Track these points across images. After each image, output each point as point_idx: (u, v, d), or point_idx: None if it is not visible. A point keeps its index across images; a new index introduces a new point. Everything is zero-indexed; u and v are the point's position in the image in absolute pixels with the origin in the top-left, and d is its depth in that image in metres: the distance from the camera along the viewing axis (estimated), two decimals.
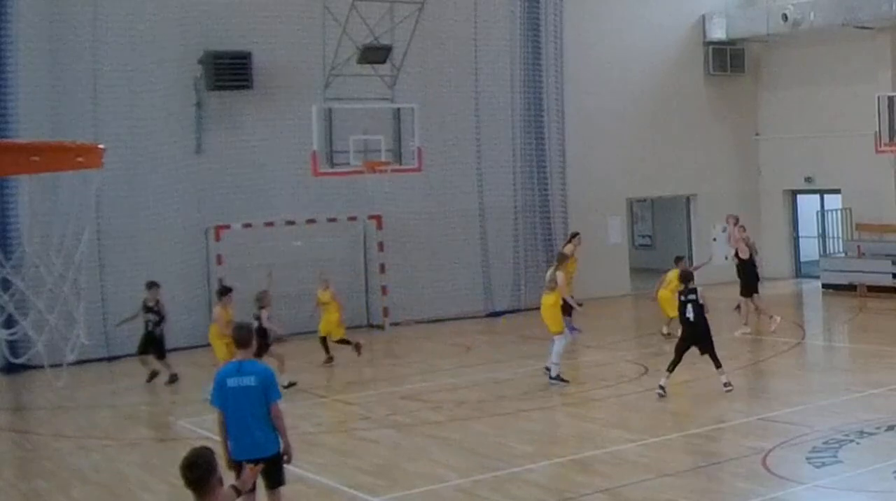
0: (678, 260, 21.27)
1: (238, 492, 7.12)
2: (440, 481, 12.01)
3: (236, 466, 9.11)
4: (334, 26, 20.91)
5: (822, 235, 28.79)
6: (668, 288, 20.58)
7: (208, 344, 21.72)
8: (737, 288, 21.10)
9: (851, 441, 12.75)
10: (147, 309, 18.20)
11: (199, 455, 6.71)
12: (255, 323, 16.65)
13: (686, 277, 16.00)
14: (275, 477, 9.58)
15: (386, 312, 23.75)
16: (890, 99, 25.16)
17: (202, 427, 13.92)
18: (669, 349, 19.85)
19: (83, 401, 17.22)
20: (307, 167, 20.94)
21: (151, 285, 18.36)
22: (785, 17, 26.67)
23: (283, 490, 9.70)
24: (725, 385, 15.59)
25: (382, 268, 23.77)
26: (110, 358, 20.63)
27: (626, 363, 18.32)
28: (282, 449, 9.58)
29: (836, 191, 28.45)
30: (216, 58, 22.04)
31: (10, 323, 7.70)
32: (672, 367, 15.65)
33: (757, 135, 30.04)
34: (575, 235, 22.65)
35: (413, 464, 12.83)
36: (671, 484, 11.44)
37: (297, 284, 21.42)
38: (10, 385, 18.90)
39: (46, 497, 12.36)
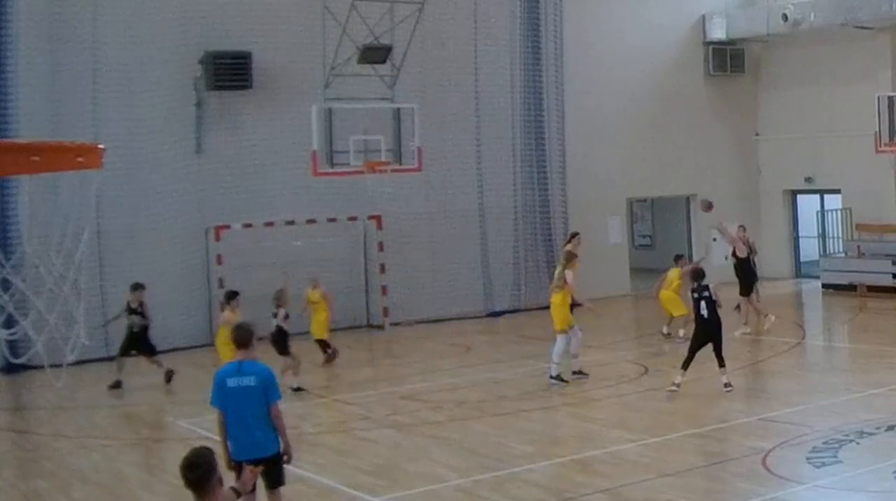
0: (678, 258, 21.33)
1: (238, 494, 7.12)
2: (440, 481, 12.01)
3: (236, 466, 9.11)
4: (334, 26, 20.92)
5: (822, 235, 28.80)
6: (671, 287, 20.61)
7: (208, 345, 21.86)
8: (737, 288, 21.10)
9: (851, 441, 12.74)
10: (131, 311, 18.02)
11: (198, 456, 6.71)
12: (275, 322, 16.93)
13: (698, 274, 16.03)
14: (275, 477, 9.58)
15: (386, 312, 23.75)
16: (890, 99, 25.16)
17: (202, 428, 13.91)
18: (669, 349, 19.95)
19: (83, 401, 17.22)
20: (307, 167, 20.94)
21: (136, 287, 18.24)
22: (785, 17, 26.68)
23: (283, 490, 9.69)
24: (726, 385, 15.60)
25: (382, 268, 23.77)
26: (110, 358, 20.55)
27: (626, 363, 18.32)
28: (282, 450, 9.58)
29: (836, 191, 28.45)
30: (216, 58, 22.04)
31: (10, 323, 7.70)
32: (686, 365, 15.67)
33: (757, 135, 30.05)
34: (574, 235, 22.62)
35: (413, 464, 12.83)
36: (671, 484, 11.44)
37: (298, 284, 21.37)
38: (10, 385, 18.90)
39: (46, 497, 12.35)
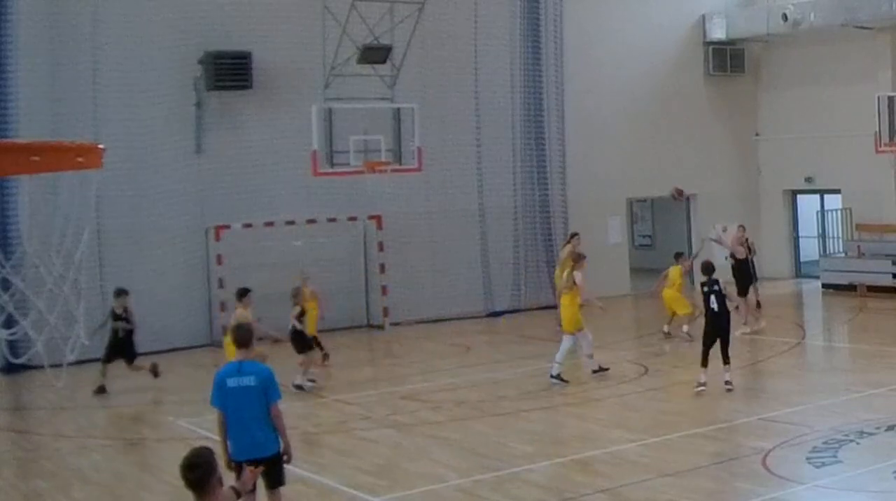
0: (678, 256, 21.34)
1: (238, 493, 7.12)
2: (440, 481, 12.01)
3: (236, 466, 9.11)
4: (334, 26, 20.92)
5: (822, 235, 28.79)
6: (674, 286, 20.61)
7: (207, 345, 21.88)
8: (736, 289, 21.09)
9: (851, 441, 12.74)
10: (116, 317, 17.78)
11: (198, 456, 6.71)
12: (293, 321, 17.13)
13: (708, 268, 16.07)
14: (275, 477, 9.58)
15: (386, 312, 23.75)
16: (890, 99, 25.17)
17: (202, 428, 13.91)
18: (670, 349, 19.97)
19: (83, 401, 17.21)
20: (307, 167, 20.93)
21: (119, 292, 17.98)
22: (785, 17, 26.67)
23: (283, 490, 9.69)
24: (726, 382, 15.61)
25: (382, 268, 23.76)
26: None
27: (627, 363, 18.31)
28: (282, 449, 9.58)
29: (836, 191, 28.45)
30: (216, 58, 22.04)
31: (10, 323, 7.70)
32: (705, 362, 15.69)
33: (757, 135, 30.05)
34: (574, 235, 22.70)
35: (413, 464, 12.83)
36: (671, 484, 11.44)
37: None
38: (10, 385, 18.90)
39: (46, 497, 12.35)
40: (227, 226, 22.12)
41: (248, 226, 22.29)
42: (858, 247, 27.25)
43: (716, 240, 22.55)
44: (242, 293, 16.95)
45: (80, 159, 6.48)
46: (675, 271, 20.76)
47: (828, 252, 28.51)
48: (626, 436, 13.51)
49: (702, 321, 20.11)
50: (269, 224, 22.48)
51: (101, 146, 6.78)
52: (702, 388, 15.59)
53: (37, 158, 6.28)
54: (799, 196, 29.92)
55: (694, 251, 24.55)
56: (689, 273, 22.30)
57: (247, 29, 22.47)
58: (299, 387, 16.89)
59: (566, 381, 16.78)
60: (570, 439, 14.13)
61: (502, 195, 25.60)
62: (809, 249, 29.61)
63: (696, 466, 12.08)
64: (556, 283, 23.20)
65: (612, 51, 27.34)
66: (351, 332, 22.56)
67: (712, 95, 29.35)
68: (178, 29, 21.90)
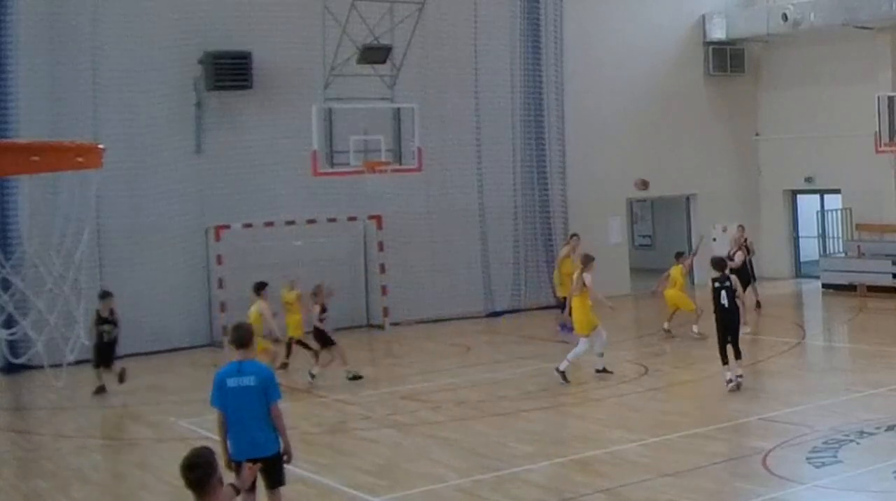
0: (679, 256, 21.35)
1: (237, 491, 7.13)
2: (440, 481, 12.01)
3: (236, 466, 9.11)
4: (334, 26, 20.91)
5: (822, 235, 28.79)
6: (676, 285, 20.62)
7: (208, 345, 21.89)
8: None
9: (851, 441, 12.74)
10: (102, 320, 17.56)
11: (199, 456, 6.71)
12: (315, 318, 17.42)
13: (720, 264, 16.12)
14: (275, 477, 9.58)
15: (386, 312, 23.74)
16: (890, 99, 25.16)
17: (202, 428, 13.91)
18: (670, 348, 19.99)
19: (83, 401, 17.22)
20: (307, 167, 20.93)
21: (104, 295, 17.70)
22: (785, 17, 26.67)
23: (283, 490, 9.69)
24: (738, 376, 15.67)
25: (382, 268, 23.76)
26: None
27: (627, 363, 18.31)
28: (282, 449, 9.58)
29: (836, 191, 28.45)
30: (216, 58, 22.04)
31: (10, 323, 7.70)
32: (725, 359, 15.71)
33: (757, 135, 30.05)
34: (573, 236, 22.79)
35: (413, 464, 12.83)
36: (671, 484, 11.44)
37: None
38: (10, 385, 18.90)
39: (46, 497, 12.36)
40: (227, 226, 22.12)
41: (248, 226, 22.29)
42: (858, 246, 27.25)
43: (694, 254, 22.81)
44: (260, 286, 17.26)
45: (80, 159, 6.49)
46: (676, 271, 20.79)
47: (828, 252, 28.51)
48: (626, 436, 13.51)
49: (704, 320, 20.29)
50: (269, 224, 22.48)
51: (101, 146, 6.79)
52: (732, 385, 15.58)
53: (37, 158, 6.28)
54: (799, 196, 29.92)
55: (693, 247, 24.55)
56: (689, 272, 22.30)
57: (247, 29, 22.47)
58: (358, 377, 17.54)
59: (568, 381, 16.79)
60: (570, 439, 14.14)
61: (502, 195, 25.60)
62: (809, 249, 29.61)
63: (696, 466, 12.08)
64: (553, 283, 23.26)
65: (612, 51, 27.33)
66: (351, 332, 22.54)
67: (712, 95, 29.35)
68: (178, 29, 21.90)
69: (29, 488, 12.77)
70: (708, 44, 28.99)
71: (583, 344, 17.00)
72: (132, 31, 21.41)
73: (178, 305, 21.88)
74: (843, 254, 27.96)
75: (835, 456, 12.15)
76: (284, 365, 18.37)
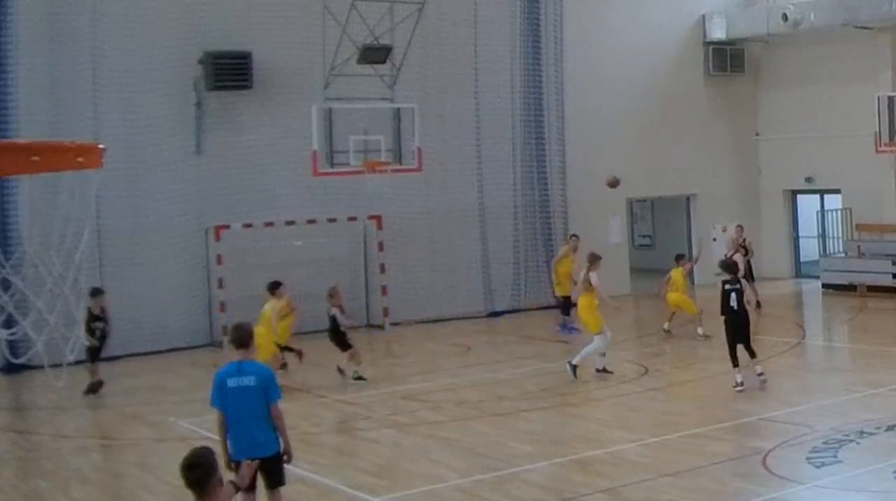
0: (679, 258, 21.34)
1: (237, 488, 7.13)
2: (440, 481, 12.01)
3: (236, 466, 9.10)
4: (334, 26, 20.91)
5: (822, 235, 28.79)
6: (678, 289, 20.61)
7: (208, 345, 21.88)
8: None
9: (851, 441, 12.75)
10: (94, 318, 17.39)
11: (199, 456, 6.72)
12: (330, 319, 17.50)
13: (731, 267, 16.14)
14: (275, 477, 9.58)
15: (386, 312, 23.74)
16: (890, 99, 25.16)
17: (202, 428, 13.92)
18: (670, 348, 19.99)
19: (83, 401, 17.22)
20: (307, 167, 20.94)
21: (96, 292, 17.51)
22: (785, 17, 26.67)
23: (283, 490, 9.69)
24: (760, 374, 15.75)
25: (382, 268, 23.76)
26: (110, 359, 20.59)
27: (627, 363, 18.31)
28: (282, 449, 9.58)
29: (836, 191, 28.45)
30: (216, 58, 22.04)
31: (10, 323, 7.69)
32: (735, 362, 15.73)
33: (757, 135, 30.04)
34: (572, 236, 22.83)
35: (413, 464, 12.83)
36: (671, 484, 11.44)
37: (297, 284, 21.37)
38: (10, 385, 18.90)
39: (46, 497, 12.36)
40: (227, 226, 22.11)
41: (248, 226, 22.29)
42: (858, 246, 27.25)
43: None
44: (274, 286, 17.40)
45: (80, 159, 6.49)
46: (676, 273, 20.78)
47: (828, 252, 28.50)
48: (626, 436, 13.51)
49: (706, 319, 20.31)
50: (269, 224, 22.47)
51: (101, 146, 6.79)
52: (741, 388, 15.58)
53: (37, 158, 6.28)
54: (799, 196, 29.91)
55: (694, 255, 24.57)
56: (690, 274, 22.28)
57: (247, 29, 22.47)
58: (359, 378, 17.56)
59: (575, 377, 16.85)
60: (570, 439, 14.13)
61: (502, 195, 25.60)
62: (809, 249, 29.61)
63: (696, 466, 12.08)
64: (551, 278, 23.27)
65: (612, 51, 27.33)
66: (351, 332, 22.52)
67: (712, 95, 29.34)
68: (178, 29, 21.89)
69: (29, 488, 12.77)
70: (708, 44, 28.98)
71: (598, 341, 17.05)
72: (132, 31, 21.40)
73: (178, 305, 21.88)
74: (843, 254, 27.96)
75: (835, 456, 12.15)
76: (284, 366, 18.37)
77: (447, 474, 12.25)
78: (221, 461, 7.60)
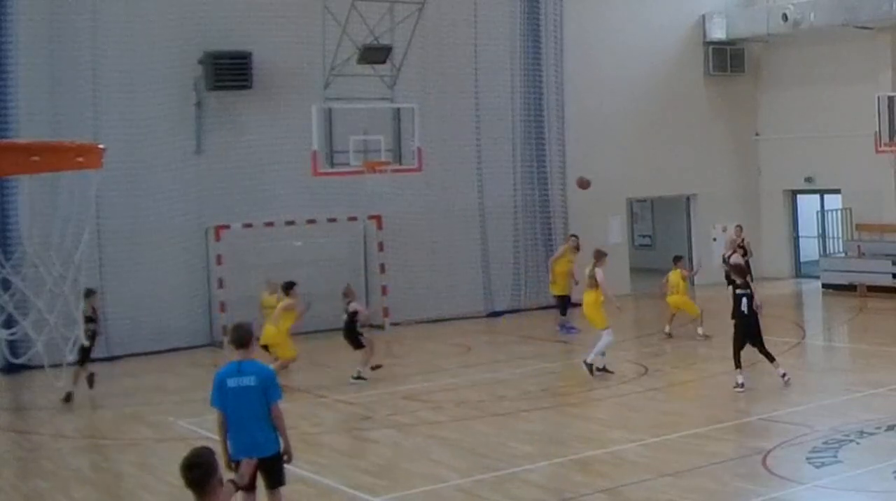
0: (677, 260, 21.32)
1: (237, 486, 7.13)
2: (440, 481, 12.01)
3: (236, 466, 9.10)
4: (334, 26, 20.91)
5: (822, 235, 28.78)
6: (677, 291, 20.60)
7: (207, 345, 21.88)
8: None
9: (851, 441, 12.74)
10: (86, 320, 16.63)
11: (199, 456, 6.71)
12: (346, 317, 17.61)
13: (741, 271, 16.14)
14: (275, 477, 9.58)
15: (386, 312, 23.74)
16: (890, 99, 25.15)
17: (202, 428, 13.92)
18: (670, 348, 19.98)
19: (83, 401, 17.21)
20: (307, 167, 20.94)
21: (89, 293, 16.99)
22: (785, 17, 26.66)
23: (283, 490, 9.69)
24: (783, 375, 15.80)
25: (382, 268, 23.76)
26: (110, 359, 20.63)
27: (627, 363, 18.31)
28: (282, 449, 9.58)
29: (836, 191, 28.45)
30: (216, 58, 22.04)
31: (10, 323, 7.69)
32: (738, 363, 15.74)
33: (757, 135, 30.04)
34: (571, 236, 22.83)
35: (413, 464, 12.83)
36: (671, 484, 11.44)
37: (297, 284, 21.37)
38: (10, 385, 18.90)
39: (46, 497, 12.36)
40: (227, 226, 22.12)
41: (248, 226, 22.29)
42: (858, 246, 27.25)
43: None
44: (289, 286, 17.45)
45: (80, 159, 6.49)
46: (675, 275, 20.76)
47: (828, 252, 28.50)
48: (626, 436, 13.51)
49: (706, 320, 20.31)
50: (269, 224, 22.47)
51: (101, 146, 6.79)
52: (741, 389, 15.59)
53: (37, 158, 6.28)
54: (799, 196, 29.91)
55: (694, 266, 24.60)
56: (688, 278, 22.22)
57: (247, 29, 22.47)
58: (359, 378, 17.56)
59: (594, 373, 16.96)
60: (570, 439, 14.13)
61: (502, 195, 25.59)
62: (809, 249, 29.61)
63: (696, 466, 12.08)
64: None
65: (612, 51, 27.32)
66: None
67: (712, 95, 29.34)
68: (178, 29, 21.89)
69: (29, 488, 12.77)
70: (708, 44, 28.98)
71: (607, 336, 17.10)
72: (132, 31, 21.40)
73: (178, 305, 21.88)
74: (843, 254, 27.96)
75: (835, 456, 12.15)
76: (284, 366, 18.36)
77: (447, 474, 12.25)
78: (221, 461, 7.60)
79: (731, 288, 18.09)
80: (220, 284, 21.92)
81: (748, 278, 16.25)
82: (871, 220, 27.44)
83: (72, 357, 7.35)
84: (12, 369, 18.54)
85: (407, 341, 22.24)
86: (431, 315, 24.24)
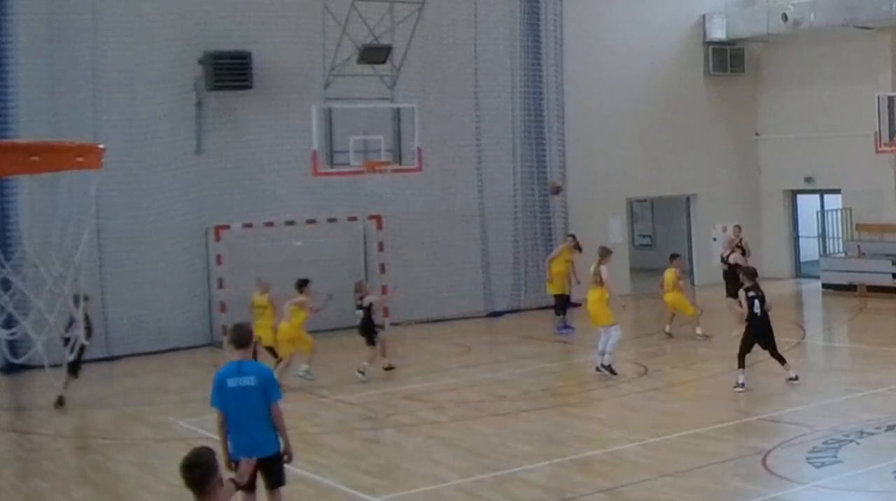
0: (673, 258, 21.29)
1: (237, 485, 7.13)
2: (440, 481, 12.01)
3: (236, 466, 9.10)
4: (334, 26, 20.91)
5: (822, 235, 28.78)
6: (673, 289, 20.58)
7: (207, 345, 21.88)
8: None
9: (851, 441, 12.74)
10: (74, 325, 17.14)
11: (199, 456, 6.72)
12: (361, 313, 17.80)
13: (752, 274, 16.14)
14: (275, 477, 9.58)
15: (386, 312, 23.72)
16: (890, 99, 25.13)
17: (203, 428, 13.92)
18: (670, 348, 19.97)
19: (83, 401, 17.21)
20: (307, 167, 20.93)
21: (84, 298, 17.13)
22: (785, 17, 26.66)
23: (283, 490, 9.69)
24: (794, 378, 15.82)
25: (382, 268, 23.75)
26: (110, 358, 20.64)
27: (627, 363, 18.30)
28: (282, 449, 9.58)
29: (836, 191, 28.44)
30: (216, 58, 22.04)
31: (10, 323, 7.69)
32: (742, 363, 15.75)
33: (757, 135, 30.04)
34: (570, 236, 22.83)
35: (413, 464, 12.83)
36: (671, 484, 11.44)
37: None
38: (10, 385, 18.90)
39: (46, 497, 12.36)
40: (227, 226, 22.11)
41: (248, 226, 22.29)
42: (858, 246, 27.25)
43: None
44: (302, 283, 17.53)
45: (80, 159, 6.50)
46: (669, 274, 20.74)
47: (828, 252, 28.50)
48: (626, 436, 13.51)
49: (704, 319, 20.32)
50: (269, 224, 22.47)
51: (101, 146, 6.80)
52: (741, 389, 15.59)
53: (37, 158, 6.29)
54: (799, 196, 29.91)
55: (683, 272, 24.62)
56: (684, 275, 22.19)
57: (247, 29, 22.47)
58: (361, 372, 17.69)
59: (615, 373, 16.98)
60: (570, 439, 14.13)
61: (502, 195, 25.59)
62: (809, 249, 29.60)
63: (695, 466, 12.08)
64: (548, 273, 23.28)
65: (612, 51, 27.33)
66: (351, 332, 22.51)
67: (712, 95, 29.34)
68: (178, 29, 21.89)
69: (29, 488, 12.78)
70: (708, 44, 28.98)
71: (615, 332, 17.09)
72: (132, 31, 21.41)
73: (178, 305, 21.88)
74: (843, 254, 27.96)
75: (835, 456, 12.15)
76: (278, 362, 18.38)
77: (447, 474, 12.25)
78: (221, 461, 7.60)
79: (740, 289, 18.22)
80: (220, 284, 21.91)
81: (756, 280, 16.20)
82: (871, 220, 27.44)
83: (71, 357, 7.35)
84: (12, 369, 18.55)
85: (407, 341, 22.22)
86: (431, 315, 24.24)
